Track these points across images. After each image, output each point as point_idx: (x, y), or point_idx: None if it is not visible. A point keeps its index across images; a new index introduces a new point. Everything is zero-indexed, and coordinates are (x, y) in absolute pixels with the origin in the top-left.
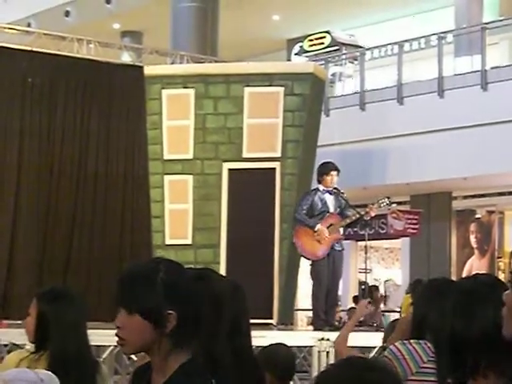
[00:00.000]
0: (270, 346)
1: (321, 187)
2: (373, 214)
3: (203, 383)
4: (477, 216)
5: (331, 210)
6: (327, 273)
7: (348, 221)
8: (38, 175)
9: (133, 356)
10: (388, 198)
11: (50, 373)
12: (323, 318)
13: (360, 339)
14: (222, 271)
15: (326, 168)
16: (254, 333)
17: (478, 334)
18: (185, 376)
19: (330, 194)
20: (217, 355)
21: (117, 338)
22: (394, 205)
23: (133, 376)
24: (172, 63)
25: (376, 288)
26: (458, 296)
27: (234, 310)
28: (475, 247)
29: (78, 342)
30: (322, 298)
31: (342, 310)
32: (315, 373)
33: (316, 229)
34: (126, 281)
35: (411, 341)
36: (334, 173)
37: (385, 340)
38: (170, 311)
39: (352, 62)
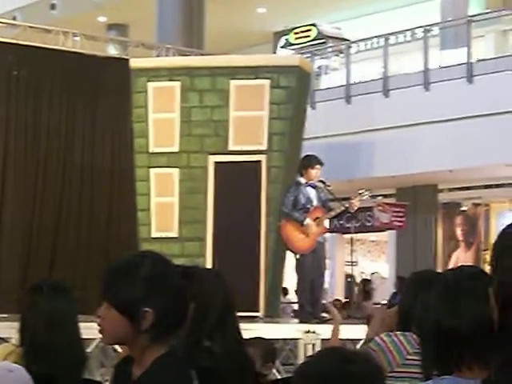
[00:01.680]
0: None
1: (303, 180)
2: (356, 207)
3: (179, 375)
4: (462, 209)
5: (314, 203)
6: (312, 266)
7: (333, 213)
8: (23, 168)
9: (118, 348)
10: (369, 190)
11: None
12: (309, 310)
13: (349, 332)
14: (208, 264)
15: (311, 161)
16: (240, 325)
17: (463, 326)
18: (159, 369)
19: (312, 187)
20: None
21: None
22: (379, 197)
23: (115, 368)
24: (158, 56)
25: (368, 281)
26: (444, 288)
27: (221, 305)
28: (461, 240)
29: (70, 334)
30: (307, 290)
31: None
32: None
33: (305, 223)
34: (109, 273)
35: (396, 333)
36: (318, 166)
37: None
38: (147, 309)
39: (338, 55)
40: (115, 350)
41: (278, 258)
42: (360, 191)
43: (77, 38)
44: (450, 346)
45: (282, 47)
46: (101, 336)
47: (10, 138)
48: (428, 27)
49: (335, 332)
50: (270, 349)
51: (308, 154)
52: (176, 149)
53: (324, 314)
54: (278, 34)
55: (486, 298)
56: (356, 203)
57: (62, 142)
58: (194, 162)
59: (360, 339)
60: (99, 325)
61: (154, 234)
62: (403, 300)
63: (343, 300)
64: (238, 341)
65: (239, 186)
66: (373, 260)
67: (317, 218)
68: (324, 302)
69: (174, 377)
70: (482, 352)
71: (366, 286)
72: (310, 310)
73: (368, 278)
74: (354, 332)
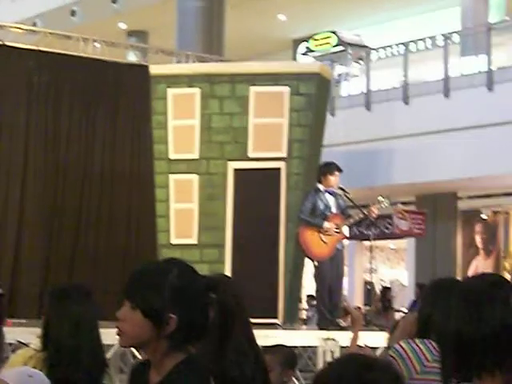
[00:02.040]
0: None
1: (321, 187)
2: (374, 214)
3: (199, 381)
4: (482, 216)
5: (333, 210)
6: (330, 273)
7: (352, 221)
8: (43, 174)
9: (137, 354)
10: (387, 197)
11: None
12: (328, 317)
13: (368, 339)
14: (228, 271)
15: (330, 168)
16: (258, 332)
17: (484, 333)
18: (179, 375)
19: (330, 194)
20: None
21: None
22: (399, 205)
23: (132, 371)
24: (178, 63)
25: (388, 289)
26: (465, 295)
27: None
28: (480, 247)
29: (94, 339)
30: (326, 297)
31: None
32: None
33: (324, 226)
34: (137, 276)
35: (416, 340)
36: (337, 173)
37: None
38: (172, 315)
39: (358, 62)
40: (134, 357)
41: (297, 265)
42: (379, 199)
43: (97, 45)
44: (471, 353)
45: (302, 54)
46: (119, 338)
47: (30, 143)
48: (448, 35)
49: (355, 337)
50: (290, 356)
51: (327, 161)
52: (196, 155)
53: (342, 322)
54: (298, 41)
55: (507, 306)
56: (375, 211)
57: (82, 147)
58: (214, 168)
59: (379, 347)
60: (118, 327)
61: (174, 241)
62: (423, 307)
63: (361, 307)
64: (249, 349)
65: (258, 193)
66: (392, 267)
67: (336, 224)
68: (344, 302)
69: (194, 383)
70: (504, 358)
71: (387, 294)
72: (329, 316)
73: (388, 285)
74: (373, 339)
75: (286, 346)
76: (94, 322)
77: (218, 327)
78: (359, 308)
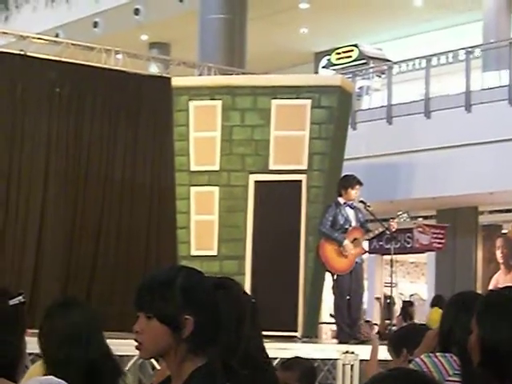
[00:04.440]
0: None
1: (342, 200)
2: (394, 228)
3: None
4: (503, 231)
5: (353, 223)
6: (350, 286)
7: (371, 235)
8: (64, 185)
9: (156, 365)
10: (407, 211)
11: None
12: (347, 331)
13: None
14: (247, 283)
15: (351, 182)
16: (278, 345)
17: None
18: (199, 379)
19: (351, 207)
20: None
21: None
22: (419, 219)
23: None
24: (199, 75)
25: (410, 303)
26: (488, 309)
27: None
28: (501, 262)
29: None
30: (345, 311)
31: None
32: None
33: (344, 244)
34: (145, 286)
35: (437, 354)
36: (358, 187)
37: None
38: (188, 316)
39: (379, 76)
40: (153, 368)
41: (317, 278)
42: (399, 213)
43: (119, 56)
44: (493, 366)
45: (323, 67)
46: (139, 351)
47: (52, 154)
48: (470, 49)
49: (374, 353)
50: (308, 369)
51: (347, 174)
52: (217, 167)
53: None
54: (320, 55)
55: None
56: (394, 225)
57: (103, 159)
58: (235, 180)
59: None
60: (136, 340)
61: (194, 252)
62: (444, 321)
63: (379, 322)
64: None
65: (279, 205)
66: (412, 281)
67: (355, 238)
68: (361, 323)
69: None
70: None
71: (408, 309)
72: (348, 330)
73: (409, 299)
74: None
75: (304, 359)
76: (90, 332)
77: (227, 326)
78: (376, 325)
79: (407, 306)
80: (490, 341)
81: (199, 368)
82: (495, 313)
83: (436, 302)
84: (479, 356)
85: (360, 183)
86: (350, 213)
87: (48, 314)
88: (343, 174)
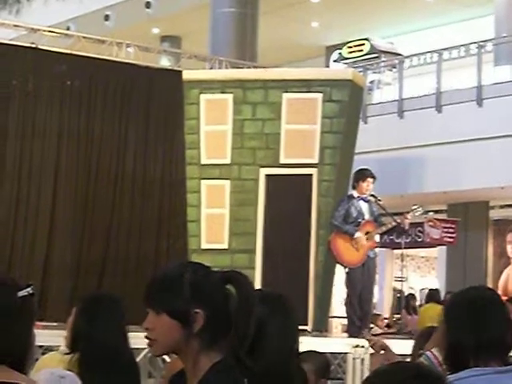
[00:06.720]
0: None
1: (355, 194)
2: (408, 223)
3: (236, 381)
4: None
5: (366, 217)
6: (361, 280)
7: (384, 228)
8: (75, 178)
9: (166, 357)
10: (422, 206)
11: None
12: (358, 324)
13: (395, 347)
14: (258, 276)
15: (363, 174)
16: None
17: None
18: (217, 374)
19: (364, 201)
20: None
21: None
22: (430, 213)
23: (169, 382)
24: (211, 68)
25: (413, 296)
26: (454, 307)
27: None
28: (511, 257)
29: (124, 343)
30: (356, 304)
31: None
32: (350, 380)
33: (355, 236)
34: (153, 283)
35: None
36: (370, 180)
37: (415, 348)
38: (197, 310)
39: (391, 70)
40: (164, 361)
41: (328, 272)
42: (413, 207)
43: (130, 49)
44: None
45: (334, 61)
46: (150, 349)
47: (63, 147)
48: (482, 43)
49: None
50: (323, 364)
51: (361, 167)
52: (228, 161)
53: (372, 330)
54: (331, 48)
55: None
56: (409, 218)
57: (114, 152)
58: (246, 174)
59: (406, 355)
60: (147, 337)
61: (204, 246)
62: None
63: (389, 315)
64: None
65: (290, 199)
66: (422, 276)
67: (368, 232)
68: (364, 332)
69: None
70: None
71: (412, 301)
72: (359, 324)
73: (413, 292)
74: (400, 347)
75: (318, 353)
76: (123, 328)
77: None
78: (387, 319)
79: (410, 299)
80: (454, 337)
81: (216, 363)
82: (461, 311)
83: (431, 297)
84: (444, 350)
85: (372, 176)
86: (364, 206)
87: (94, 308)
88: (357, 168)
